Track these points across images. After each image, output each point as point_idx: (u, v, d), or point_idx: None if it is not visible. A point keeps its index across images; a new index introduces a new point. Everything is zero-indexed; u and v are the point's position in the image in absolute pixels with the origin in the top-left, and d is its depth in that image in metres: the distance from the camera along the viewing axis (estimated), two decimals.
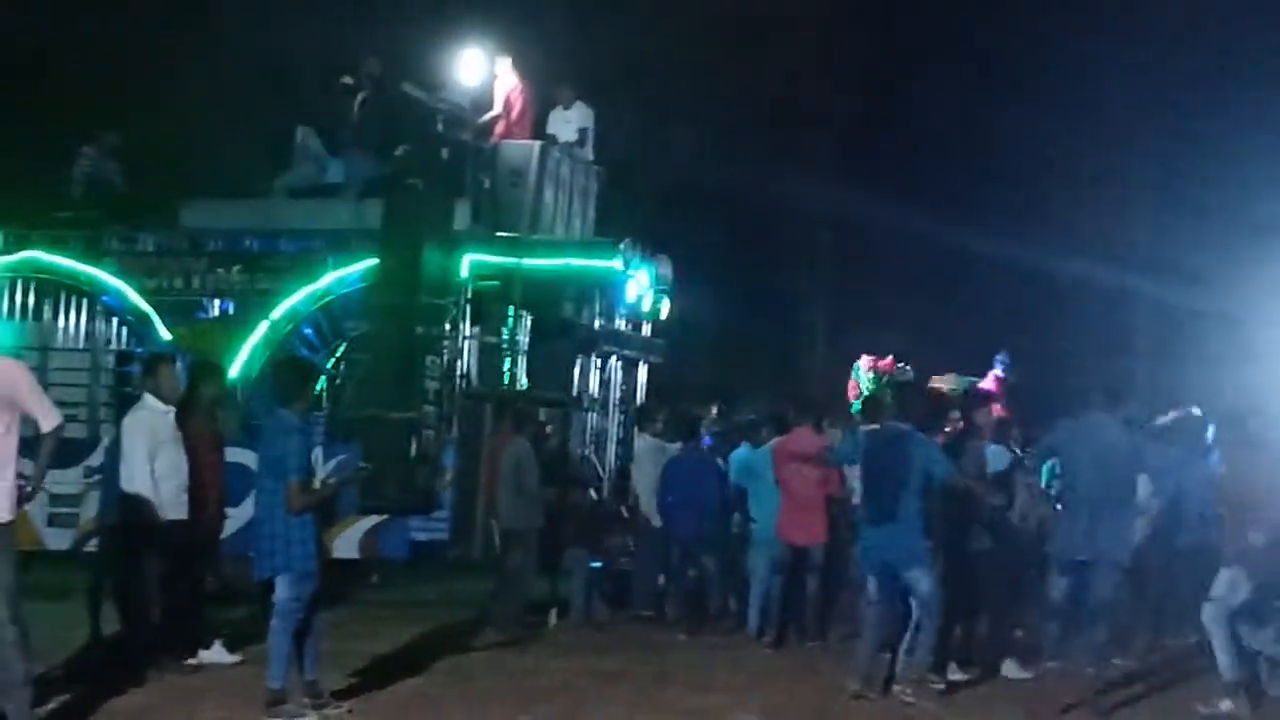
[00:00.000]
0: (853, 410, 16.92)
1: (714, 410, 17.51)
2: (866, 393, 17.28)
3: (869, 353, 19.07)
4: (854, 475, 12.87)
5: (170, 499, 11.51)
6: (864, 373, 18.71)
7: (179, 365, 12.41)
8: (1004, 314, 26.10)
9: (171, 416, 11.74)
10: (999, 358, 19.51)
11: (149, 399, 11.76)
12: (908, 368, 18.88)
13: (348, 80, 18.41)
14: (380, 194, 17.29)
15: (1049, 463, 13.77)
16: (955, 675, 11.83)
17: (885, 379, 18.22)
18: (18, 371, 9.31)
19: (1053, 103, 27.25)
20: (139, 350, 17.00)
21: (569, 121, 18.98)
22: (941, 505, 11.71)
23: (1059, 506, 12.69)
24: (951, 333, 24.88)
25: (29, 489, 9.18)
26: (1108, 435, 11.87)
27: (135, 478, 11.46)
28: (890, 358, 18.64)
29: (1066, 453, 12.19)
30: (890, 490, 11.20)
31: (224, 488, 12.28)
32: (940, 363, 19.16)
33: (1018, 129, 26.65)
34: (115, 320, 17.81)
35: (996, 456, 12.85)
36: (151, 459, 11.44)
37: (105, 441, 14.28)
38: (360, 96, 18.28)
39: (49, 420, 9.15)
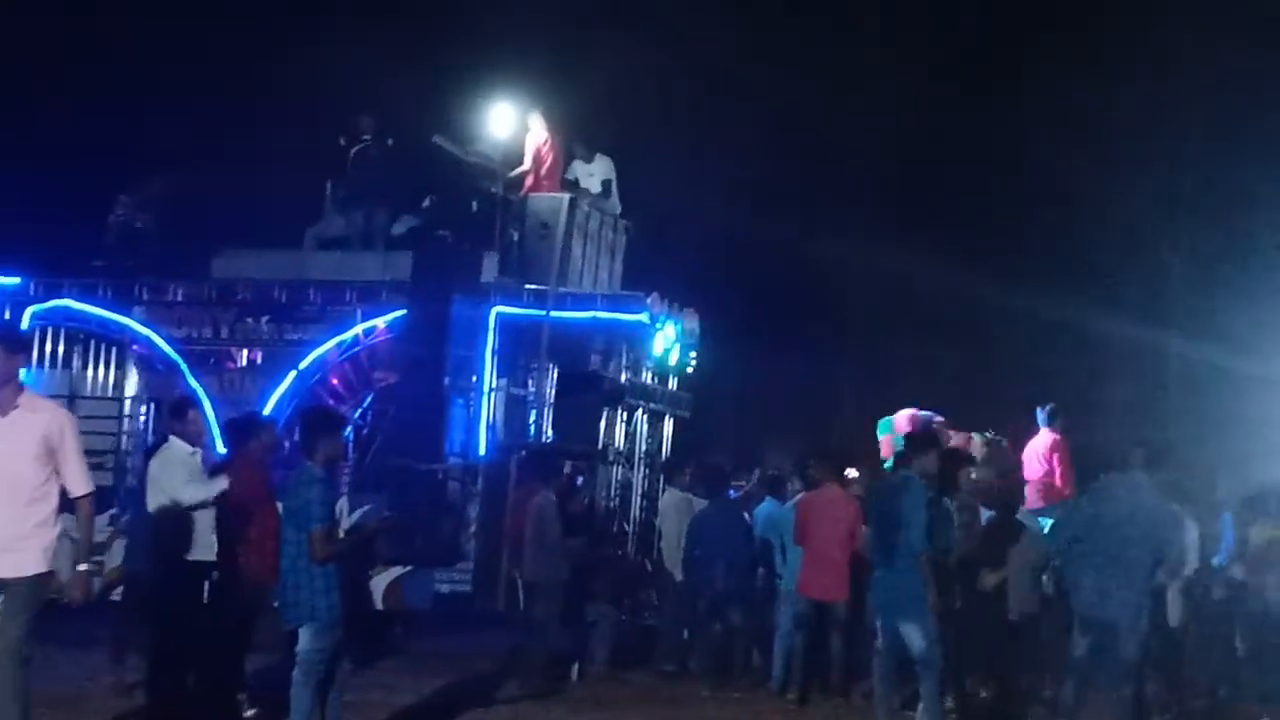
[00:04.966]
0: (885, 467, 16.81)
1: (755, 474, 17.40)
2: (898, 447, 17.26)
3: (901, 408, 18.88)
4: None
5: (199, 540, 11.50)
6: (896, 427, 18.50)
7: (205, 412, 12.45)
8: (1037, 371, 25.92)
9: (199, 459, 11.75)
10: (1043, 413, 18.64)
11: (175, 442, 11.77)
12: (939, 418, 18.64)
13: (342, 141, 18.58)
14: (409, 245, 17.38)
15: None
16: None
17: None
18: (68, 423, 8.96)
19: (1094, 154, 27.01)
20: (162, 399, 17.10)
21: (592, 174, 19.05)
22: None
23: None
24: (983, 389, 24.74)
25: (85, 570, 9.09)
26: (1142, 496, 11.79)
27: (161, 519, 11.45)
28: (912, 411, 18.46)
29: (1092, 512, 12.11)
30: (890, 537, 11.13)
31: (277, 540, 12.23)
32: (971, 419, 18.95)
33: (1054, 183, 26.60)
34: (144, 369, 17.86)
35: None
36: (177, 501, 11.44)
37: (127, 487, 14.32)
38: (355, 150, 18.41)
39: (80, 486, 8.85)
